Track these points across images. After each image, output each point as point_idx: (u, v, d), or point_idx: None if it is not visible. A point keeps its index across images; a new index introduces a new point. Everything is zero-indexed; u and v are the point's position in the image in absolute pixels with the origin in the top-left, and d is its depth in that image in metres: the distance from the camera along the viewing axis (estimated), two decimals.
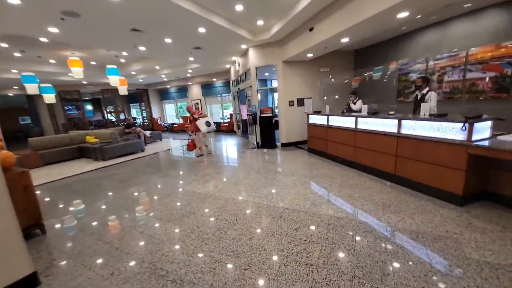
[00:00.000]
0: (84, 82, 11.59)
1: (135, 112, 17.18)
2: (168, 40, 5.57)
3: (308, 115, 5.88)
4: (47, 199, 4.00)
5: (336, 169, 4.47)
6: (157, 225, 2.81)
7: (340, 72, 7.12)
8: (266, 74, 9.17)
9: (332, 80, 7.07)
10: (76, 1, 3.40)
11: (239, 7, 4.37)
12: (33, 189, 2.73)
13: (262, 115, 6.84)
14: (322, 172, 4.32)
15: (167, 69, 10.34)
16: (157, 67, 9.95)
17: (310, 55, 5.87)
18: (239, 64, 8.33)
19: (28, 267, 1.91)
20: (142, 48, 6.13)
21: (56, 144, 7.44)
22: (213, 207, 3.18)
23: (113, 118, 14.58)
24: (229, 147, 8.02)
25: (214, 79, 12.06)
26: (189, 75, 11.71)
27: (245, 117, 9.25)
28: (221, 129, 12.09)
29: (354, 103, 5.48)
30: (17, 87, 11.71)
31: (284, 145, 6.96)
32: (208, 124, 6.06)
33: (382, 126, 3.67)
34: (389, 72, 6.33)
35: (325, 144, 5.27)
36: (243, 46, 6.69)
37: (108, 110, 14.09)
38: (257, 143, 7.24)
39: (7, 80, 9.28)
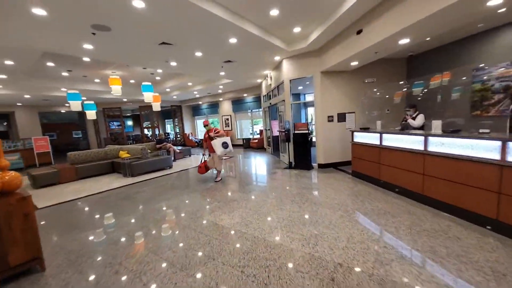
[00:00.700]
0: (125, 100, 12.32)
1: (169, 127, 17.87)
2: (198, 54, 5.33)
3: (352, 132, 4.98)
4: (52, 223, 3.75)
5: (397, 203, 3.45)
6: (166, 274, 2.19)
7: (388, 83, 6.12)
8: (300, 87, 8.54)
9: (378, 93, 6.08)
10: (103, 14, 3.25)
11: (274, 12, 3.88)
12: (35, 217, 2.37)
13: (296, 131, 6.11)
14: (378, 207, 3.34)
15: (199, 85, 10.40)
16: (190, 84, 10.05)
17: (354, 63, 5.08)
18: (271, 78, 7.86)
19: None
20: (173, 64, 6.04)
21: (92, 158, 7.64)
22: (239, 250, 2.47)
23: (149, 133, 15.22)
24: (258, 165, 7.37)
25: (245, 95, 11.83)
26: (220, 91, 11.68)
27: (276, 133, 8.60)
28: (251, 145, 11.59)
29: (414, 118, 4.44)
30: (67, 105, 12.93)
31: (322, 166, 6.05)
32: (225, 145, 5.30)
33: (470, 149, 2.65)
34: (428, 87, 5.21)
35: (376, 169, 4.27)
36: (277, 58, 6.20)
37: (144, 126, 14.81)
38: (290, 163, 6.46)
39: (58, 97, 10.18)
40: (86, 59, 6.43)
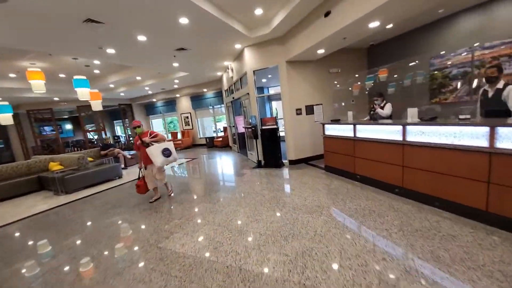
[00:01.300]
0: (56, 99, 10.19)
1: (119, 129, 15.74)
2: (142, 38, 4.36)
3: (323, 125, 4.69)
4: None
5: (378, 199, 3.21)
6: None
7: (351, 73, 6.05)
8: (264, 80, 8.07)
9: (338, 85, 5.95)
10: None
11: None
12: None
13: (264, 127, 5.61)
14: (360, 206, 3.05)
15: (150, 80, 9.11)
16: (138, 78, 8.72)
17: (321, 51, 4.76)
18: (232, 70, 7.19)
19: None
20: (110, 51, 4.90)
21: (10, 175, 5.94)
22: None
23: (95, 137, 13.08)
24: (225, 166, 6.70)
25: (205, 90, 10.89)
26: (176, 86, 10.51)
27: (241, 130, 8.02)
28: (215, 144, 10.78)
29: (382, 108, 4.33)
30: None
31: (293, 162, 5.70)
32: (166, 153, 3.91)
33: (453, 137, 2.48)
34: (375, 82, 5.37)
35: (351, 163, 4.04)
36: (238, 46, 5.56)
37: (89, 129, 12.62)
38: (259, 162, 5.96)
39: None
40: None
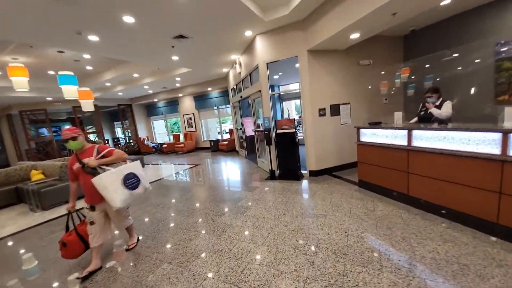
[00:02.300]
0: (49, 99, 9.44)
1: (119, 131, 15.00)
2: (129, 19, 3.45)
3: (358, 129, 3.68)
4: None
5: (463, 241, 2.18)
6: None
7: (384, 66, 5.03)
8: (276, 76, 7.09)
9: (368, 85, 4.93)
10: None
11: None
12: None
13: (279, 131, 4.64)
14: (438, 252, 2.03)
15: (149, 77, 8.25)
16: (136, 75, 7.87)
17: (355, 35, 3.76)
18: (240, 65, 6.26)
19: None
20: (93, 38, 4.00)
21: None
22: None
23: (95, 139, 12.30)
24: (231, 177, 5.73)
25: (209, 89, 9.99)
26: (178, 84, 9.64)
27: (250, 133, 7.06)
28: (220, 148, 9.85)
29: (438, 107, 3.30)
30: None
31: (314, 173, 4.70)
32: (131, 182, 2.30)
33: None
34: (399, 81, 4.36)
35: (402, 180, 3.02)
36: (248, 34, 4.61)
37: (89, 131, 11.87)
38: (272, 172, 4.98)
39: None
40: None
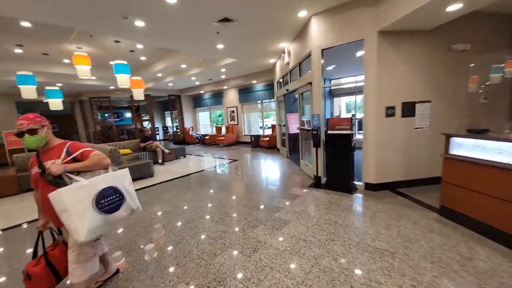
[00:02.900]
0: (112, 87, 10.41)
1: (169, 120, 15.99)
2: (171, 0, 3.15)
3: (448, 137, 2.67)
4: None
5: None
6: None
7: (487, 53, 3.69)
8: (329, 68, 6.16)
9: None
10: None
11: None
12: None
13: (331, 131, 3.86)
14: None
15: (196, 68, 8.25)
16: (184, 66, 7.92)
17: (455, 6, 2.70)
18: (289, 54, 5.58)
19: None
20: (139, 24, 3.89)
21: None
22: None
23: (148, 127, 13.33)
24: (269, 177, 5.20)
25: (254, 81, 9.57)
26: (223, 76, 9.49)
27: (294, 130, 6.39)
28: (260, 144, 9.41)
29: None
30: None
31: (371, 187, 3.79)
32: (108, 204, 1.57)
33: None
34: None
35: None
36: (302, 14, 3.90)
37: (144, 118, 12.92)
38: (317, 178, 4.25)
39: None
40: (26, 24, 4.44)
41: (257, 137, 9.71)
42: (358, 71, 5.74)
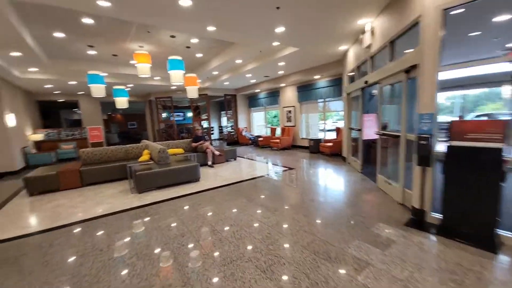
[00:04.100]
0: (173, 87, 10.81)
1: (224, 121, 16.07)
2: None
3: None
4: None
5: None
6: None
7: None
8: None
9: None
10: None
11: None
12: None
13: (458, 143, 2.32)
14: None
15: (252, 63, 7.52)
16: (239, 61, 7.28)
17: None
18: (372, 33, 4.12)
19: None
20: (184, 2, 3.24)
21: (109, 158, 5.94)
22: None
23: (205, 126, 13.62)
24: (337, 197, 3.88)
25: (317, 77, 8.22)
26: (281, 72, 8.48)
27: (370, 136, 4.85)
28: (321, 150, 8.00)
29: None
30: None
31: None
32: None
33: None
34: None
35: None
36: None
37: (200, 117, 13.27)
38: (419, 212, 2.74)
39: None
40: (87, 20, 4.49)
41: (317, 141, 8.32)
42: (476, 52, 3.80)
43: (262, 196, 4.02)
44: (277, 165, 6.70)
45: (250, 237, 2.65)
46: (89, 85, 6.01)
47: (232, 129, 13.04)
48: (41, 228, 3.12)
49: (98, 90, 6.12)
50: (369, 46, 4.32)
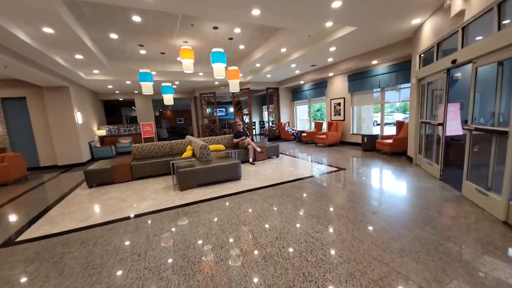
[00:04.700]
0: (216, 83, 10.85)
1: (266, 115, 15.67)
2: None
3: None
4: None
5: None
6: None
7: None
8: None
9: None
10: None
11: None
12: None
13: None
14: None
15: (297, 51, 6.84)
16: (283, 49, 6.68)
17: None
18: None
19: None
20: None
21: (156, 153, 6.14)
22: None
23: (246, 121, 13.48)
24: (408, 209, 3.04)
25: (374, 62, 7.05)
26: (330, 59, 7.55)
27: (455, 132, 3.75)
28: (378, 147, 6.88)
29: None
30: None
31: None
32: None
33: None
34: None
35: None
36: None
37: (241, 112, 13.17)
38: None
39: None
40: (136, 18, 4.53)
41: (373, 137, 7.20)
42: None
43: (311, 203, 3.45)
44: (324, 164, 5.97)
45: (301, 258, 2.14)
46: (140, 83, 6.27)
47: (273, 124, 12.56)
48: (89, 223, 3.21)
49: (147, 88, 6.35)
50: (460, 13, 3.24)
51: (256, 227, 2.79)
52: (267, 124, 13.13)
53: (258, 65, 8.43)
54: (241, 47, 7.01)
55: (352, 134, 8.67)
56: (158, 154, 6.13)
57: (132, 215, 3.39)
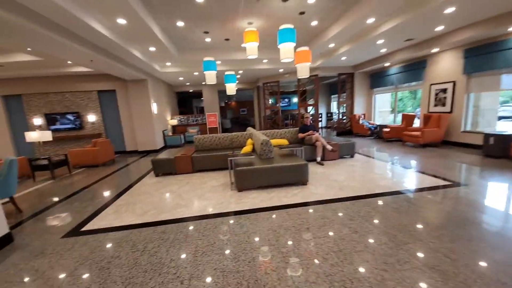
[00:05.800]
0: (281, 70, 9.98)
1: (335, 106, 13.84)
2: None
3: None
4: None
5: None
6: None
7: None
8: None
9: None
10: None
11: None
12: None
13: None
14: None
15: (392, 20, 5.20)
16: (371, 20, 5.17)
17: None
18: None
19: None
20: None
21: (216, 146, 5.90)
22: None
23: (311, 112, 12.21)
24: None
25: (511, 29, 4.67)
26: (441, 27, 5.48)
27: None
28: (510, 152, 4.64)
29: None
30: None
31: None
32: None
33: None
34: None
35: None
36: None
37: (306, 102, 11.96)
38: None
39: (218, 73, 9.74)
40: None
41: (504, 138, 4.93)
42: None
43: (421, 238, 2.26)
44: (422, 172, 4.37)
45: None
46: (204, 72, 6.08)
47: (343, 116, 10.85)
48: (145, 220, 3.02)
49: (211, 77, 6.10)
50: None
51: (332, 267, 1.89)
52: (336, 116, 11.49)
53: (332, 45, 7.08)
54: (314, 23, 5.87)
55: (464, 131, 6.34)
56: (218, 147, 5.87)
57: (185, 216, 3.05)
